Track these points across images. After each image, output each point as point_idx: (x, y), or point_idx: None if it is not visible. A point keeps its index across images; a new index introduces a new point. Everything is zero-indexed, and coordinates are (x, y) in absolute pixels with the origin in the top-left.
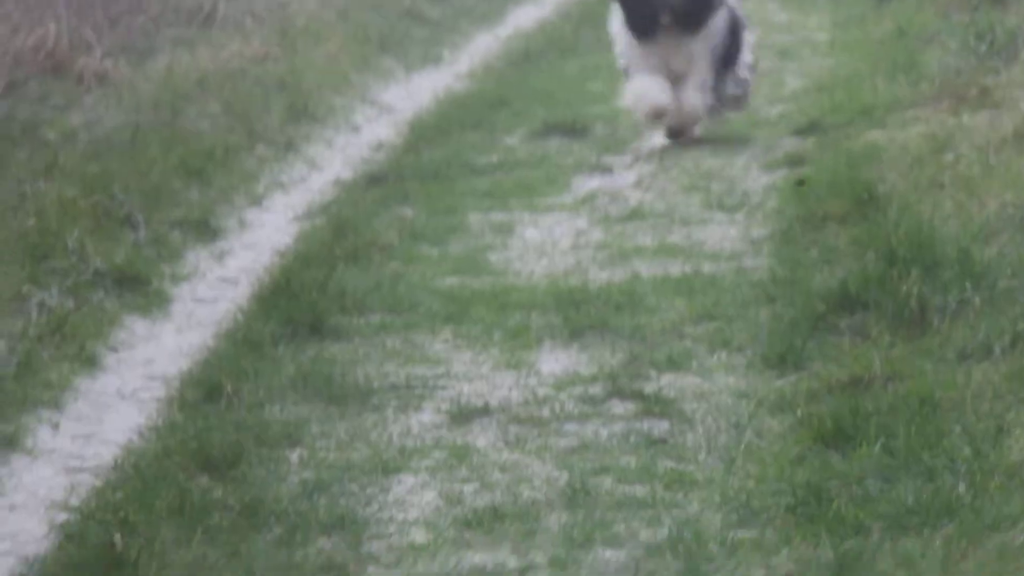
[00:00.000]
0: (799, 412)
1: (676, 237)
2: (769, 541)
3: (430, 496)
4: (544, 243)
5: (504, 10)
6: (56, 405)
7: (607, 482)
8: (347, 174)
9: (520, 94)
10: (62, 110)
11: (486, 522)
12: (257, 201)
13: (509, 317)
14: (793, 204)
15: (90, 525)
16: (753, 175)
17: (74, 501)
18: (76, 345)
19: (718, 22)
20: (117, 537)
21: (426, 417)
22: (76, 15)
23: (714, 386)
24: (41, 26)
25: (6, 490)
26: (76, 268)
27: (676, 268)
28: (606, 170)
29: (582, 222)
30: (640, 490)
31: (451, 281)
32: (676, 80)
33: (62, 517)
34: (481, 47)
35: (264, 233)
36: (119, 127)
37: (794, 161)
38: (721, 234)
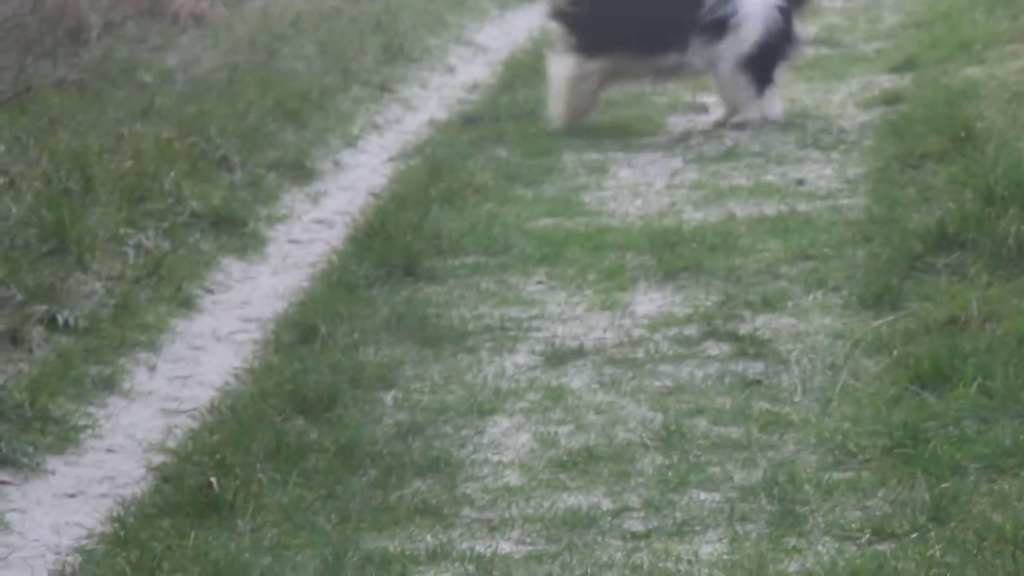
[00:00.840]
0: (895, 353)
1: (771, 176)
2: (865, 482)
3: (524, 438)
4: (638, 183)
5: None
6: (153, 347)
7: (702, 424)
8: (442, 115)
9: None
10: (158, 51)
11: (580, 464)
12: (352, 142)
13: (603, 258)
14: (890, 142)
15: (186, 467)
16: (849, 113)
17: (171, 443)
18: (173, 287)
19: None
20: (213, 479)
21: (520, 359)
22: None
23: (810, 326)
24: None
25: (103, 432)
26: (172, 210)
27: (771, 208)
28: (701, 109)
29: (676, 162)
30: (735, 432)
31: (545, 222)
32: None
33: (159, 459)
34: None
35: (359, 174)
36: (215, 68)
37: (891, 98)
38: (817, 173)
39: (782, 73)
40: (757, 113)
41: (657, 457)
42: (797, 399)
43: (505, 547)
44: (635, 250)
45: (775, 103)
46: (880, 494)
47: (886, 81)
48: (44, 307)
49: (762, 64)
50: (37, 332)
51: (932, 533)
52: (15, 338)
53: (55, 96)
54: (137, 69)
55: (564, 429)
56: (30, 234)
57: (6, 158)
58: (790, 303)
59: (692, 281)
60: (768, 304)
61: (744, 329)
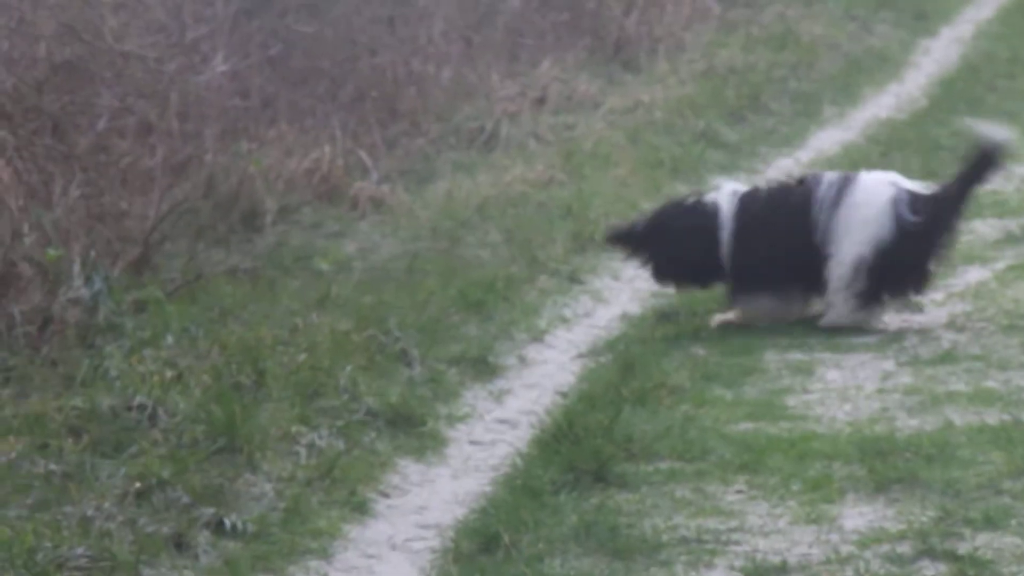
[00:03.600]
0: None
1: (993, 382)
2: None
3: None
4: (847, 387)
5: (806, 133)
6: (324, 554)
7: None
8: (635, 309)
9: None
10: (336, 238)
11: None
12: (539, 336)
13: (809, 467)
14: None
15: None
16: None
17: None
18: (346, 490)
19: None
20: None
21: (718, 574)
22: (351, 138)
23: None
24: (316, 149)
25: None
26: (348, 407)
27: (993, 417)
28: (915, 308)
29: (889, 364)
30: None
31: (745, 426)
32: None
33: None
34: (780, 172)
35: (546, 371)
36: (395, 256)
37: None
38: None
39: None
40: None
41: None
42: None
43: None
44: (843, 459)
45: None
46: None
47: None
48: (211, 510)
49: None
50: (204, 537)
51: None
52: (180, 543)
53: (227, 285)
54: (313, 257)
55: None
56: (198, 431)
57: (175, 350)
58: (1014, 521)
59: (906, 494)
60: (990, 522)
61: (963, 548)
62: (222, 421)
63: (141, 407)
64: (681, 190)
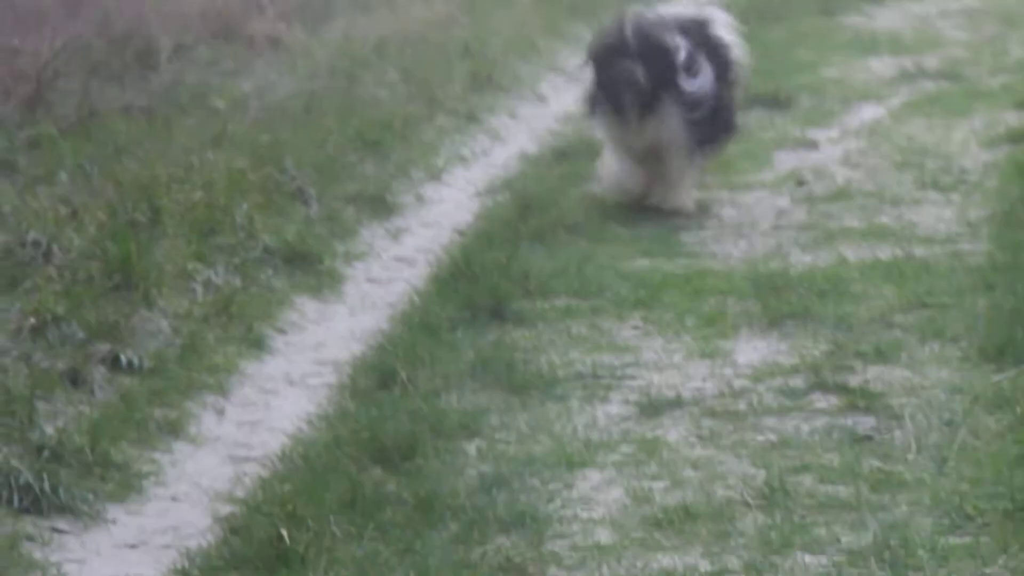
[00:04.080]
0: (1018, 409)
1: (886, 218)
2: (984, 548)
3: (617, 493)
4: (742, 223)
5: None
6: (221, 390)
7: (807, 481)
8: (532, 147)
9: None
10: (232, 76)
11: (676, 522)
12: (436, 175)
13: (703, 302)
14: (1016, 183)
15: (256, 518)
16: (972, 152)
17: (239, 492)
18: (243, 326)
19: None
20: (284, 531)
21: (613, 408)
22: None
23: (925, 380)
24: None
25: (168, 480)
26: (244, 245)
27: (885, 252)
28: (810, 145)
29: (783, 201)
30: (843, 491)
31: (642, 263)
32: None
33: (226, 509)
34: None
35: (443, 209)
36: (292, 95)
37: (1017, 136)
38: (935, 215)
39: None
40: None
41: (759, 516)
42: (911, 457)
43: None
44: (737, 295)
45: None
46: (1000, 561)
47: (1012, 118)
48: (107, 346)
49: None
50: (99, 372)
51: None
52: (76, 379)
53: (122, 122)
54: (209, 95)
55: (659, 485)
56: (93, 268)
57: (69, 187)
58: (904, 354)
59: (799, 329)
60: (881, 355)
61: (854, 381)
62: (118, 258)
63: (35, 243)
64: (578, 30)
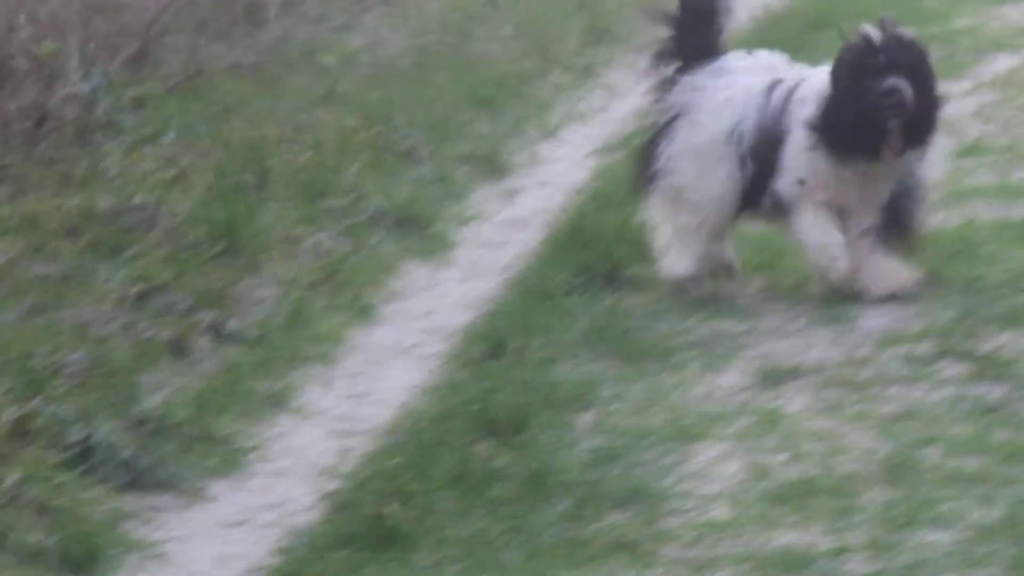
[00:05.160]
0: None
1: (1020, 175)
2: None
3: (734, 467)
4: None
5: None
6: (327, 360)
7: (934, 454)
8: None
9: (846, 12)
10: (341, 32)
11: (796, 498)
12: (551, 133)
13: None
14: None
15: (362, 494)
16: None
17: (345, 467)
18: (350, 294)
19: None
20: (392, 508)
21: (732, 378)
22: None
23: None
24: None
25: (272, 454)
26: (353, 207)
27: (1019, 211)
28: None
29: None
30: (972, 464)
31: (763, 227)
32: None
33: (332, 485)
34: None
35: (558, 169)
36: (403, 51)
37: None
38: None
39: None
40: None
41: (883, 491)
42: None
43: None
44: None
45: None
46: None
47: None
48: (212, 314)
49: None
50: (203, 342)
51: None
52: (179, 348)
53: (229, 81)
54: (318, 52)
55: (779, 458)
56: (199, 232)
57: (176, 147)
58: None
59: (926, 293)
60: (1012, 320)
61: (984, 348)
62: (224, 222)
63: (141, 207)
64: None
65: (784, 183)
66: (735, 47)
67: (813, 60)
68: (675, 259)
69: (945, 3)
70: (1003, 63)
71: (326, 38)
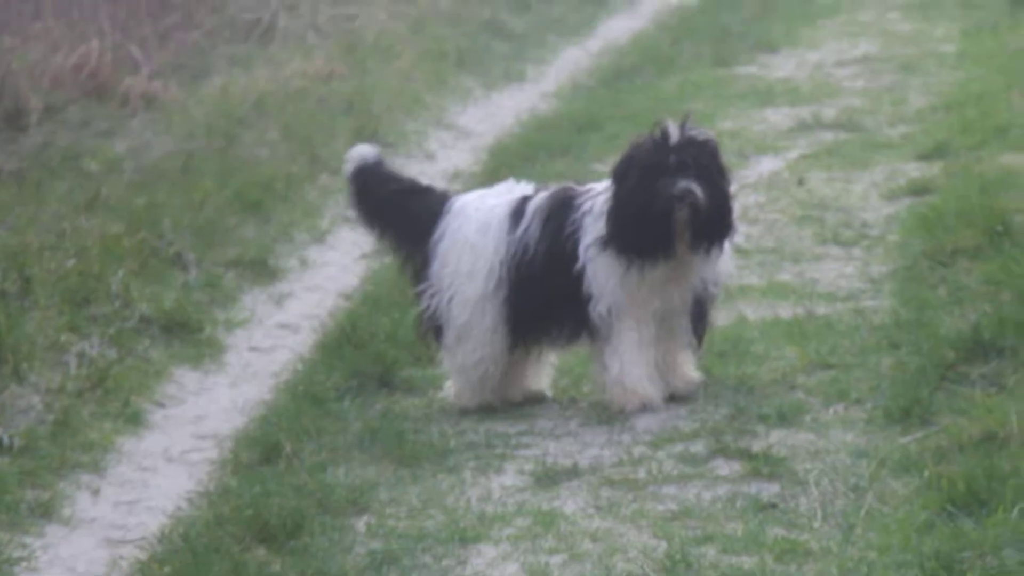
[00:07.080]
0: (926, 473)
1: (786, 275)
2: None
3: (513, 569)
4: None
5: (594, 21)
6: (96, 468)
7: (710, 552)
8: None
9: (612, 115)
10: (105, 137)
11: None
12: (320, 238)
13: None
14: (918, 237)
15: None
16: (872, 205)
17: None
18: (119, 400)
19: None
20: None
21: (508, 479)
22: (121, 31)
23: (830, 444)
24: (82, 43)
25: (40, 565)
26: (120, 314)
27: (787, 310)
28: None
29: None
30: (747, 561)
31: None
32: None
33: None
34: (569, 63)
35: (328, 273)
36: (168, 155)
37: (919, 189)
38: (837, 271)
39: None
40: None
41: None
42: (816, 525)
43: None
44: None
45: None
46: None
47: (913, 169)
48: None
49: None
50: None
51: None
52: None
53: None
54: (81, 157)
55: (557, 559)
56: None
57: None
58: (808, 417)
59: (699, 392)
60: (783, 418)
61: (757, 446)
62: None
63: None
64: (466, 83)
65: (595, 310)
66: (502, 154)
67: (581, 162)
68: (459, 392)
69: (711, 105)
70: (767, 165)
71: (90, 143)
